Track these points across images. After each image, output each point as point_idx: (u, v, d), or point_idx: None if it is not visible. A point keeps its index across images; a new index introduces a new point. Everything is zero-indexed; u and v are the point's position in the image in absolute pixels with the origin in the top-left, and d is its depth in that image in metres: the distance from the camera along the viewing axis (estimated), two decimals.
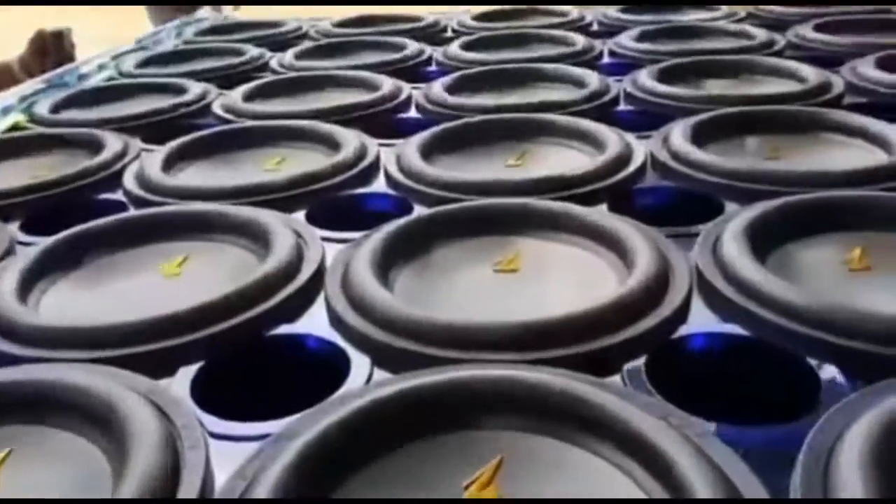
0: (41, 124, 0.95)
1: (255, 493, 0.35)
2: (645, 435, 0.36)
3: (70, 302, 0.56)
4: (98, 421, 0.41)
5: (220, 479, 0.37)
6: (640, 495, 0.35)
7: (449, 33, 1.32)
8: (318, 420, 0.39)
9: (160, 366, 0.46)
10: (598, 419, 0.38)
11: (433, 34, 1.30)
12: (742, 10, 1.28)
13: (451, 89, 0.95)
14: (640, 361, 0.45)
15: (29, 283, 0.56)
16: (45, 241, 0.61)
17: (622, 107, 0.91)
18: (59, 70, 1.26)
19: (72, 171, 0.76)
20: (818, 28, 1.12)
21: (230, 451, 0.40)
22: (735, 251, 0.52)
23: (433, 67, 1.13)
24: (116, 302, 0.55)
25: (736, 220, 0.56)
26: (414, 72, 1.10)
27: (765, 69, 0.97)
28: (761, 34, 1.12)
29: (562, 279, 0.55)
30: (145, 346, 0.47)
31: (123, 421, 0.40)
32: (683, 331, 0.48)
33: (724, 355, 0.47)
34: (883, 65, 0.92)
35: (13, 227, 0.68)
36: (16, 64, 1.38)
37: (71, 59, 1.37)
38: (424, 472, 0.38)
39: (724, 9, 1.30)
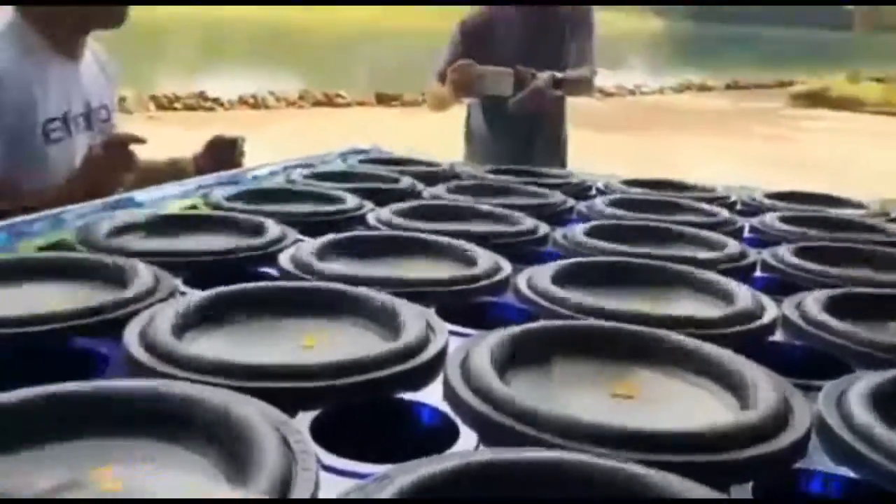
0: (216, 209, 1.06)
1: None
2: None
3: (211, 347, 0.61)
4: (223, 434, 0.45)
5: None
6: None
7: (593, 192, 1.38)
8: (417, 469, 0.41)
9: (289, 404, 0.50)
10: None
11: (577, 190, 1.37)
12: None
13: (590, 235, 0.98)
14: (748, 486, 0.44)
15: (184, 326, 0.62)
16: (201, 293, 0.67)
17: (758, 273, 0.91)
18: (234, 171, 1.41)
19: (234, 244, 0.85)
20: None
21: (338, 483, 0.42)
22: (862, 408, 0.51)
23: (573, 216, 1.18)
24: (257, 354, 0.60)
25: (865, 380, 0.55)
26: (554, 217, 1.15)
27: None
28: None
29: (679, 410, 0.55)
30: (280, 383, 0.51)
31: (250, 437, 0.43)
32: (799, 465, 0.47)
33: (836, 495, 0.46)
34: None
35: (178, 280, 0.75)
36: (191, 160, 1.55)
37: (238, 164, 1.52)
38: None
39: (874, 207, 1.30)
